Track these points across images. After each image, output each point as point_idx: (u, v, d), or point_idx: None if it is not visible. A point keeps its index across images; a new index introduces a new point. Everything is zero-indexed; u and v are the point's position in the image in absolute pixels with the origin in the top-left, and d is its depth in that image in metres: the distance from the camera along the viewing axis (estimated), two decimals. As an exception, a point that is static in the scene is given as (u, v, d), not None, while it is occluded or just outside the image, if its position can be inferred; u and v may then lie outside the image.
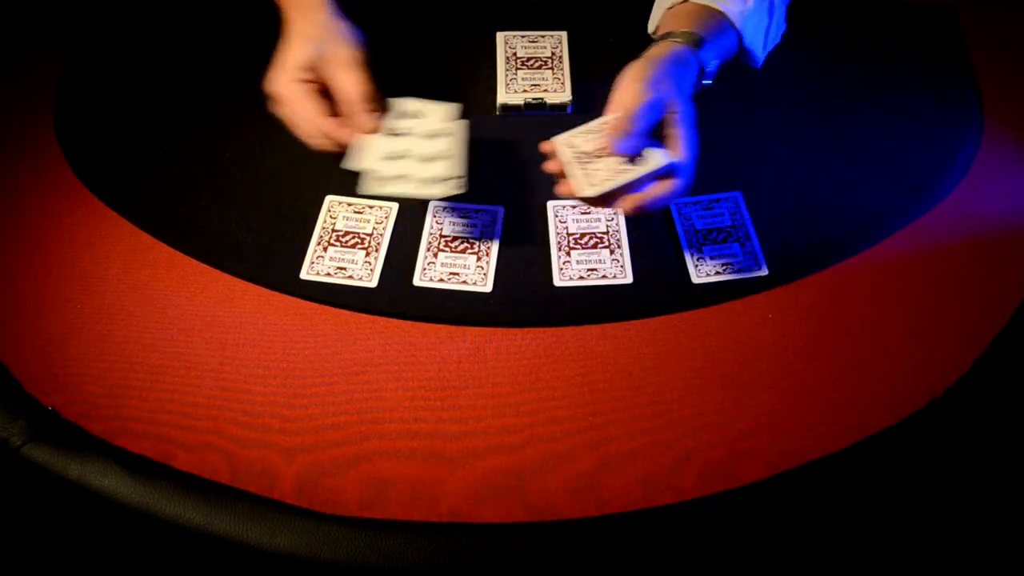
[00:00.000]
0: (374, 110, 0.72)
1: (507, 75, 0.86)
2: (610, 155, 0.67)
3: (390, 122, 0.72)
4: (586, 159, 0.68)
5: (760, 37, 0.80)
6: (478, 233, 0.75)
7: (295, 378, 0.68)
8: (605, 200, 0.67)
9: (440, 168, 0.70)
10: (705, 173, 0.80)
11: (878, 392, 0.66)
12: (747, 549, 0.60)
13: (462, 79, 0.87)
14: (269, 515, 0.60)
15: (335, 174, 0.80)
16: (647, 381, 0.67)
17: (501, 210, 0.77)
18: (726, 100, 0.77)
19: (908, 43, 0.93)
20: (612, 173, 0.66)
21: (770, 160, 0.80)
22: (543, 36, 0.91)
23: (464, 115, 0.73)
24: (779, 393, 0.66)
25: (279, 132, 0.84)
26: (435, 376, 0.68)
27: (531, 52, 0.89)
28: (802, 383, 0.67)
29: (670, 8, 0.79)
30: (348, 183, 0.80)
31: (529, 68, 0.87)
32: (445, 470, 0.62)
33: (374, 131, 0.71)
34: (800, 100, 0.85)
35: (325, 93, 0.73)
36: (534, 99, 0.84)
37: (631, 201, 0.67)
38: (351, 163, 0.71)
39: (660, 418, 0.65)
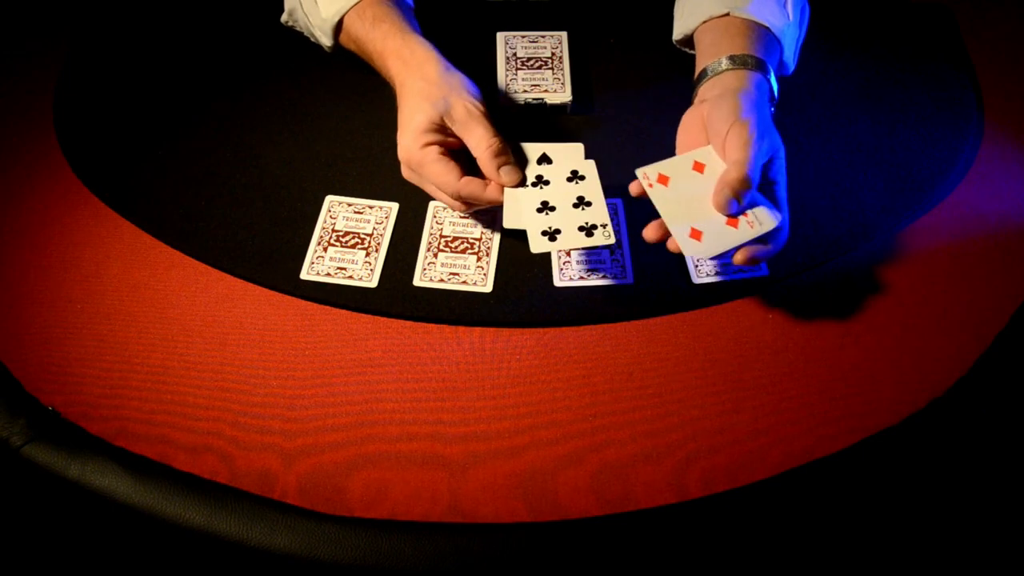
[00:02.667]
0: (511, 162, 0.69)
1: (507, 75, 0.86)
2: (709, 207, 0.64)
3: (528, 171, 0.70)
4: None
5: (793, 50, 0.78)
6: (478, 233, 0.75)
7: (295, 378, 0.68)
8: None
9: (591, 214, 0.68)
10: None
11: (878, 392, 0.66)
12: (749, 549, 0.60)
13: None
14: (269, 515, 0.60)
15: (335, 174, 0.81)
16: (647, 381, 0.67)
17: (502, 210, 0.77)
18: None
19: (908, 43, 0.93)
20: (716, 232, 0.63)
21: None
22: (543, 36, 0.91)
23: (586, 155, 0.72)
24: (780, 393, 0.66)
25: (279, 132, 0.85)
26: (435, 376, 0.68)
27: (531, 52, 0.89)
28: (802, 383, 0.67)
29: (707, 21, 0.76)
30: (348, 183, 0.80)
31: (529, 68, 0.87)
32: (445, 470, 0.62)
33: (515, 185, 0.69)
34: (799, 100, 0.85)
35: (455, 152, 0.70)
36: (534, 99, 0.84)
37: (744, 254, 0.63)
38: (509, 223, 0.68)
39: (661, 419, 0.65)
